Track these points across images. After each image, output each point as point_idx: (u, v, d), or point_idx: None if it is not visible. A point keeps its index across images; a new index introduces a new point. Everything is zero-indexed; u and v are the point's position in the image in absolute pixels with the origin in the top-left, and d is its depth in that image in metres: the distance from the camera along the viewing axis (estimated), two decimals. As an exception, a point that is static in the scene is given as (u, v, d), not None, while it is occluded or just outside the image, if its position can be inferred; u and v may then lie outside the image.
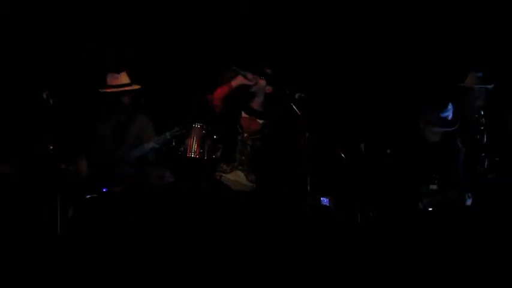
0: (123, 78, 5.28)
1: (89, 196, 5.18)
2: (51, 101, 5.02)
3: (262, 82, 5.33)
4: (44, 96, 5.04)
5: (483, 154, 5.30)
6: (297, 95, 5.15)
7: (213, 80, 5.39)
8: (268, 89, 5.35)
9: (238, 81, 5.26)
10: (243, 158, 5.30)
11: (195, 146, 5.17)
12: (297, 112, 5.09)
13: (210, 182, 5.28)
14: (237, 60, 5.73)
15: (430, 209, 4.99)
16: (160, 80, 6.27)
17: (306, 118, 5.07)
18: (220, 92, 5.26)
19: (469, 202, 4.91)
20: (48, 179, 5.18)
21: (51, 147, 4.95)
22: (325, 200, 5.19)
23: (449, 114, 4.98)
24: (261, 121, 5.40)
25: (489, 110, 5.42)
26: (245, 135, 5.34)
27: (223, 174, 5.31)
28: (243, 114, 5.40)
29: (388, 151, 5.24)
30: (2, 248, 4.94)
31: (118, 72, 5.28)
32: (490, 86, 5.44)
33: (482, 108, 5.40)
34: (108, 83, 5.28)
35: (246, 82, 5.25)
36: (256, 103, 5.40)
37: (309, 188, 5.11)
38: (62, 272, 4.67)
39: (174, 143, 5.20)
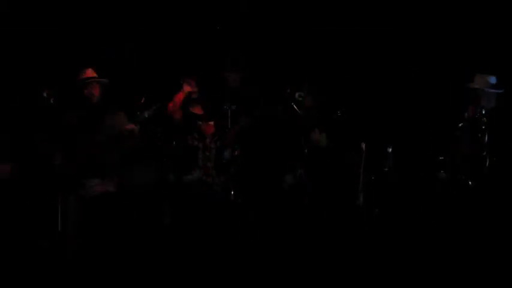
0: (90, 72, 5.31)
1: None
2: (51, 100, 5.05)
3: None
4: (44, 95, 5.08)
5: (484, 153, 5.28)
6: (297, 94, 5.21)
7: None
8: (194, 92, 5.76)
9: (187, 87, 5.74)
10: (209, 163, 5.60)
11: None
12: (297, 111, 5.16)
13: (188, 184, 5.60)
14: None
15: None
16: (161, 79, 6.28)
17: (305, 117, 5.14)
18: (178, 99, 5.72)
19: None
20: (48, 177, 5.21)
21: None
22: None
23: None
24: (212, 122, 5.66)
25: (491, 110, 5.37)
26: (207, 140, 5.58)
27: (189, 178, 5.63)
28: (198, 123, 5.71)
29: (389, 149, 5.26)
30: (3, 248, 4.95)
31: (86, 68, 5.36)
32: (500, 91, 5.34)
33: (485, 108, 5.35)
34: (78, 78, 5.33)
35: (193, 88, 5.73)
36: (199, 108, 5.71)
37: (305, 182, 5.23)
38: (62, 272, 4.70)
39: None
